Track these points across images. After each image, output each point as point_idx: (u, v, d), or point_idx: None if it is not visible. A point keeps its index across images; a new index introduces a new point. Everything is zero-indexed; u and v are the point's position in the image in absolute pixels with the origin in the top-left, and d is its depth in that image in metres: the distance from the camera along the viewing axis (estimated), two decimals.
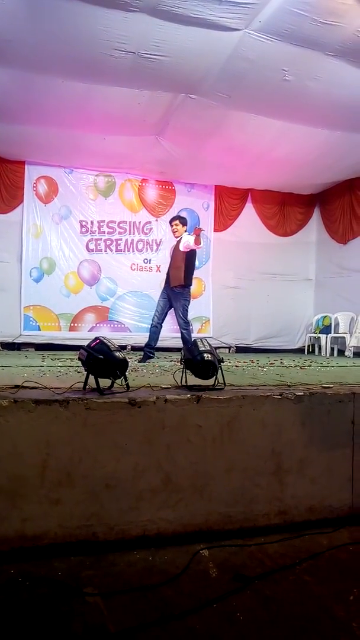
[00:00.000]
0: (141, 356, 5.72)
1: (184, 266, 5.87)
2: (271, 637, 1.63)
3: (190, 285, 6.02)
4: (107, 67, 5.14)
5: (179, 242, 6.01)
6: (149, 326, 6.02)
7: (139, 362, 5.42)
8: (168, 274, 6.03)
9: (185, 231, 6.08)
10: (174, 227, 6.08)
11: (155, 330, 5.87)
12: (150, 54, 4.91)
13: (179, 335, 6.05)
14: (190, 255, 5.96)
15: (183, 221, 6.13)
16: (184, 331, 5.87)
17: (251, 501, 2.41)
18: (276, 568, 2.05)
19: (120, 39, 4.69)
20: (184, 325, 5.87)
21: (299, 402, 2.54)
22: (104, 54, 4.91)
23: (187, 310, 5.96)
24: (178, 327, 6.03)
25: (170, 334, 7.47)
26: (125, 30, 4.57)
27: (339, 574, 2.04)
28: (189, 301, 6.03)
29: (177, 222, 6.08)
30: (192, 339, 5.69)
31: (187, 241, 5.87)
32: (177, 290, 5.86)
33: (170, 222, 6.19)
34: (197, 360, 2.61)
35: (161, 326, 5.96)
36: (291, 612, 1.76)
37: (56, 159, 7.96)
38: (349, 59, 4.88)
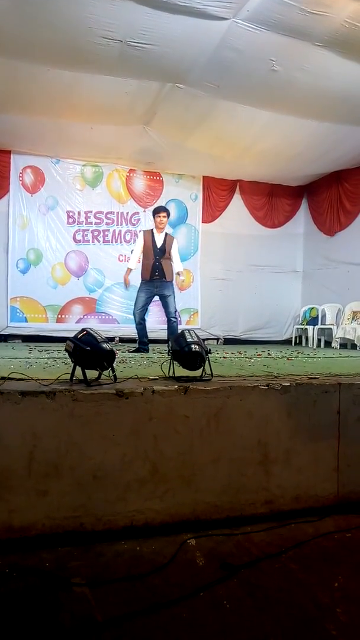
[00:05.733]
0: (134, 349, 5.80)
1: (171, 262, 5.98)
2: (257, 624, 1.65)
3: None
4: (93, 56, 5.08)
5: (170, 240, 5.99)
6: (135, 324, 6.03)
7: (130, 351, 5.57)
8: (160, 268, 5.87)
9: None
10: (162, 218, 5.98)
11: (141, 327, 5.89)
12: (138, 43, 4.86)
13: (166, 326, 6.06)
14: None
15: (169, 213, 6.19)
16: (174, 322, 5.90)
17: (238, 491, 2.43)
18: (262, 556, 2.07)
19: (107, 27, 4.63)
20: (174, 317, 5.92)
21: (286, 393, 2.55)
22: (90, 42, 4.85)
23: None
24: (165, 319, 6.05)
25: (158, 325, 7.47)
26: (112, 18, 4.51)
27: (324, 562, 2.07)
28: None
29: (165, 214, 6.02)
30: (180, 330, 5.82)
31: (178, 256, 6.04)
32: (171, 283, 5.93)
33: (159, 213, 6.03)
34: (185, 351, 2.61)
35: (145, 321, 5.98)
36: (277, 600, 1.78)
37: (42, 149, 7.87)
38: (337, 49, 4.88)
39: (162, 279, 5.87)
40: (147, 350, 5.74)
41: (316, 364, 4.21)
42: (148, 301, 5.94)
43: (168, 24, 4.59)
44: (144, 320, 5.93)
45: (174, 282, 6.02)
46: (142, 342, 5.81)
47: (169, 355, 2.79)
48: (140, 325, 5.88)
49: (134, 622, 1.62)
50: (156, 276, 5.88)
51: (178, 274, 6.10)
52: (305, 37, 4.72)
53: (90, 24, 4.58)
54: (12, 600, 1.72)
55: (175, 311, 5.97)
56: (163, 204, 8.47)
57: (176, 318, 5.95)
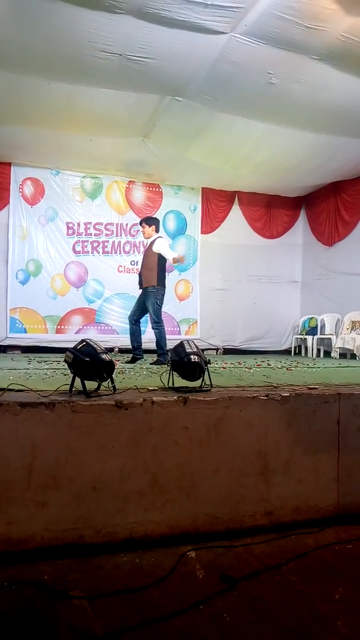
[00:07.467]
0: (129, 359, 5.77)
1: (156, 268, 5.88)
2: (257, 637, 1.64)
3: (164, 286, 5.98)
4: (93, 69, 5.14)
5: (151, 243, 5.99)
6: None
7: (127, 362, 5.53)
8: (140, 276, 6.03)
9: (156, 232, 6.09)
10: (141, 229, 6.18)
11: (132, 331, 5.89)
12: (137, 56, 4.92)
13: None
14: (163, 257, 5.95)
15: (149, 222, 6.15)
16: (155, 330, 5.85)
17: (238, 502, 2.42)
18: (262, 568, 2.05)
19: (106, 41, 4.69)
20: (155, 325, 5.84)
21: (285, 403, 2.55)
22: (89, 56, 4.91)
23: (159, 310, 5.89)
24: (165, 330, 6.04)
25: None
26: (111, 32, 4.57)
27: (324, 574, 2.05)
28: (161, 301, 5.93)
29: (142, 225, 6.16)
30: (166, 338, 5.78)
31: (162, 249, 5.90)
32: (149, 290, 5.86)
33: (140, 223, 6.27)
34: (184, 362, 2.61)
35: (137, 324, 5.96)
36: (277, 612, 1.77)
37: (42, 161, 7.93)
38: (333, 62, 4.94)
39: (142, 287, 5.97)
40: (139, 357, 5.81)
41: (316, 374, 4.21)
42: (139, 306, 5.98)
43: (167, 38, 4.65)
44: (132, 321, 5.95)
45: (154, 289, 5.86)
46: (134, 348, 5.85)
47: (168, 365, 2.78)
48: (131, 329, 5.93)
49: (133, 635, 1.61)
50: (140, 284, 6.04)
51: (174, 260, 5.95)
52: (302, 51, 4.79)
53: (90, 37, 4.64)
54: (11, 613, 1.70)
55: (156, 321, 5.82)
56: (162, 215, 8.56)
57: (157, 328, 5.82)
